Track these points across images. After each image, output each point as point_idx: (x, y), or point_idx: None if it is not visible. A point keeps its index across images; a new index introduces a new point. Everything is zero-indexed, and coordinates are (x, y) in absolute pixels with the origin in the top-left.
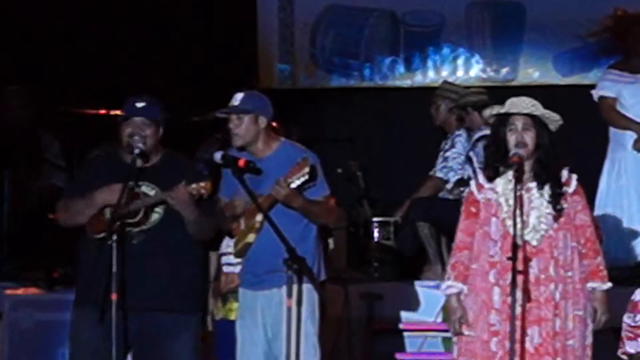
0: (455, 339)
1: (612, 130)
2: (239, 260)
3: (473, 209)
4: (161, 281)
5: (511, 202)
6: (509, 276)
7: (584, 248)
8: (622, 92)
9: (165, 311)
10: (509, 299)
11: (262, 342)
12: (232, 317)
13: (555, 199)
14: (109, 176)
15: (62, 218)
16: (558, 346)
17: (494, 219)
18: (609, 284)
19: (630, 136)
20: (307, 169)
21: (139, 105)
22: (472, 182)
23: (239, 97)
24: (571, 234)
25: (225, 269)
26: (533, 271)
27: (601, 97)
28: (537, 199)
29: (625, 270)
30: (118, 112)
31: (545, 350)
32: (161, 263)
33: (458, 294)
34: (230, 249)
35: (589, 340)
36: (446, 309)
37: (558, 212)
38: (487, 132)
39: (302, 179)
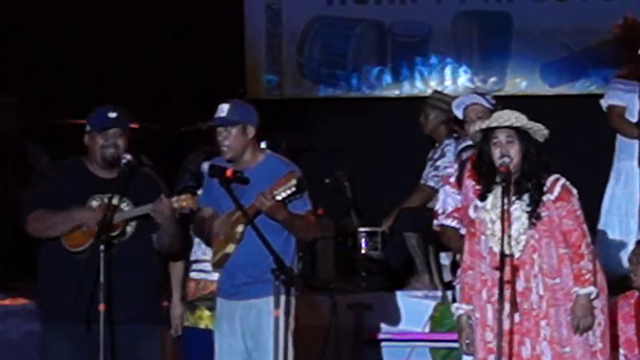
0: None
1: (619, 139)
2: (210, 267)
3: (472, 229)
4: (137, 292)
5: (494, 217)
6: (494, 291)
7: (569, 252)
8: (631, 101)
9: (139, 322)
10: (496, 315)
11: (242, 352)
12: (202, 325)
13: (533, 207)
14: (77, 187)
15: (33, 228)
16: (552, 354)
17: (482, 237)
18: (591, 288)
19: (635, 145)
20: (294, 182)
21: (112, 115)
22: (471, 206)
23: (225, 107)
24: (556, 241)
25: (195, 275)
26: (520, 282)
27: (610, 106)
28: (517, 211)
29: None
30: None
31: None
32: (135, 274)
33: (467, 315)
34: (203, 257)
35: (599, 345)
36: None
37: (536, 219)
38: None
39: (289, 192)
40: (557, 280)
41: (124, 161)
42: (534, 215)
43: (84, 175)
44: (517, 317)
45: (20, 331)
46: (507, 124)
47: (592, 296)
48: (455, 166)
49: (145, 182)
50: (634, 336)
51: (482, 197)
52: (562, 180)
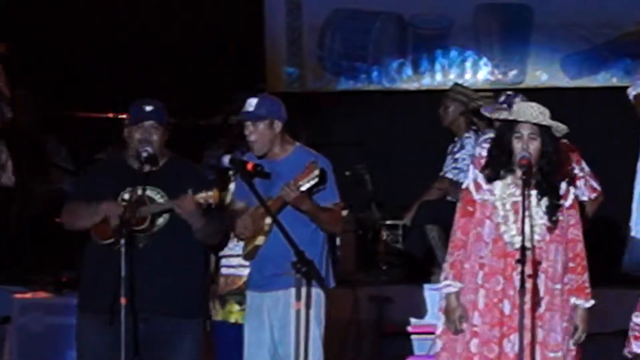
0: (438, 332)
1: None
2: (240, 262)
3: (470, 208)
4: (167, 285)
5: (508, 206)
6: (497, 280)
7: (573, 262)
8: None
9: (170, 315)
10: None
11: (269, 344)
12: (232, 319)
13: (552, 211)
14: (114, 180)
15: (66, 221)
16: (540, 357)
17: (487, 221)
18: (592, 302)
19: None
20: (316, 172)
21: (148, 109)
22: (470, 181)
23: (252, 102)
24: (563, 248)
25: (224, 270)
26: (519, 279)
27: (637, 95)
28: (534, 207)
29: None
30: (124, 115)
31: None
32: (166, 267)
33: (457, 293)
34: (230, 251)
35: (572, 353)
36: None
37: (553, 224)
38: (492, 135)
39: (312, 182)
40: (558, 286)
41: (144, 154)
42: (552, 219)
43: (122, 168)
44: (508, 309)
45: (41, 324)
46: (534, 121)
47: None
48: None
49: (183, 174)
50: None
51: (488, 180)
52: (573, 189)
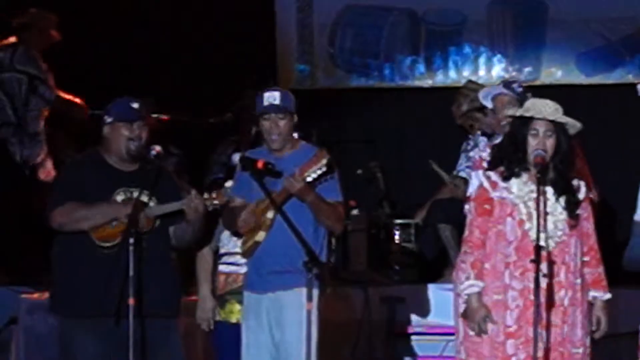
0: (460, 338)
1: None
2: (242, 260)
3: (487, 207)
4: (162, 286)
5: (529, 203)
6: (525, 278)
7: (587, 256)
8: None
9: (165, 316)
10: (524, 302)
11: (269, 345)
12: (234, 319)
13: (572, 207)
14: (101, 180)
15: (60, 222)
16: (565, 353)
17: (509, 219)
18: (610, 295)
19: None
20: (324, 161)
21: (136, 106)
22: (484, 179)
23: (277, 95)
24: (581, 242)
25: (224, 268)
26: (534, 277)
27: None
28: (552, 204)
29: None
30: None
31: (552, 356)
32: (160, 268)
33: (480, 293)
34: (234, 249)
35: (588, 349)
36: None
37: (575, 219)
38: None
39: (319, 172)
40: (579, 281)
41: (153, 153)
42: (573, 215)
43: (105, 168)
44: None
45: (47, 325)
46: (550, 118)
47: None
48: (488, 150)
49: (165, 176)
50: None
51: (504, 178)
52: (583, 182)
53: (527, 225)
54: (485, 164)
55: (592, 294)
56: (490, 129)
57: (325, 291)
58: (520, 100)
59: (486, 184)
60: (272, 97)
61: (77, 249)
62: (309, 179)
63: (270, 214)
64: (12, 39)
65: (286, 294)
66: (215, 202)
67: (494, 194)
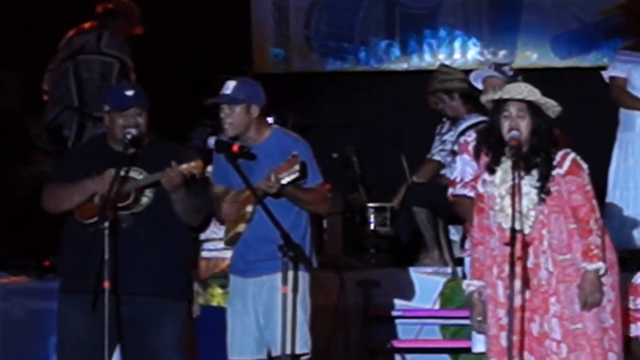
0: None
1: (621, 111)
2: (223, 245)
3: (481, 204)
4: (151, 265)
5: (503, 192)
6: (504, 268)
7: (579, 228)
8: (631, 72)
9: (155, 296)
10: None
11: (254, 329)
12: (214, 303)
13: (542, 182)
14: (96, 162)
15: (48, 204)
16: (561, 331)
17: (491, 212)
18: (600, 264)
19: (638, 117)
20: (297, 167)
21: (130, 93)
22: (480, 180)
23: (230, 85)
24: (566, 216)
25: (206, 254)
26: (529, 259)
27: (611, 78)
28: (526, 186)
29: (630, 253)
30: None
31: (546, 336)
32: (151, 247)
33: (478, 291)
34: (213, 235)
35: (610, 322)
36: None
37: (546, 195)
38: (472, 121)
39: (293, 176)
40: (568, 256)
41: (128, 136)
42: (543, 191)
43: (104, 150)
44: (527, 293)
45: (23, 309)
46: (519, 97)
47: (601, 272)
48: (474, 135)
49: (165, 152)
50: None
51: (491, 171)
52: (572, 155)
53: (499, 216)
54: (470, 148)
55: (581, 264)
56: (454, 112)
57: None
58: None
59: (480, 182)
60: (226, 87)
61: (70, 229)
62: (283, 182)
63: (249, 208)
64: (91, 23)
65: (272, 278)
66: (193, 170)
67: (482, 190)
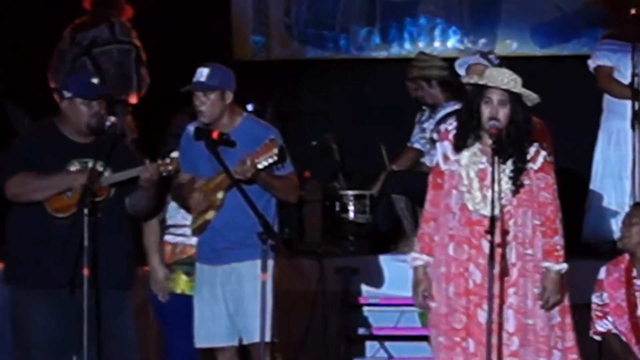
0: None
1: (606, 99)
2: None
3: (439, 180)
4: (116, 257)
5: (472, 174)
6: (464, 251)
7: (544, 226)
8: (618, 61)
9: (117, 288)
10: (463, 274)
11: (224, 316)
12: (178, 290)
13: (516, 175)
14: (55, 151)
15: (14, 192)
16: (515, 324)
17: (454, 191)
18: (564, 265)
19: (625, 105)
20: (275, 150)
21: (95, 82)
22: (439, 153)
23: (204, 72)
24: (533, 212)
25: (171, 239)
26: (489, 247)
27: (598, 67)
28: (501, 175)
29: (608, 243)
30: None
31: (499, 326)
32: (116, 239)
33: (424, 266)
34: (183, 221)
35: (556, 319)
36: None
37: (517, 188)
38: (451, 109)
39: (270, 160)
40: (530, 251)
41: (108, 124)
42: (517, 183)
43: (60, 139)
44: (479, 278)
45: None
46: (503, 87)
47: (563, 272)
48: (454, 123)
49: (121, 147)
50: (623, 302)
51: (457, 149)
52: (544, 152)
53: (466, 197)
54: (451, 137)
55: (544, 264)
56: (432, 100)
57: (279, 262)
58: None
59: (439, 158)
60: (199, 73)
61: (31, 220)
62: (259, 167)
63: (220, 194)
64: (87, 17)
65: (241, 266)
66: (169, 167)
67: (445, 167)
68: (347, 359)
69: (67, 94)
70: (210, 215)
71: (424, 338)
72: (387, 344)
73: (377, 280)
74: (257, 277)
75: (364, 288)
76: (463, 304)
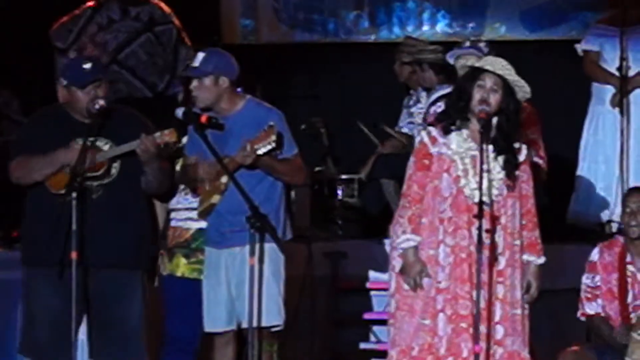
0: (391, 291)
1: (594, 85)
2: (188, 215)
3: (426, 162)
4: (120, 237)
5: (467, 160)
6: (457, 235)
7: (525, 219)
8: (604, 46)
9: (121, 268)
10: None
11: (226, 301)
12: (178, 273)
13: (511, 167)
14: (61, 132)
15: (17, 175)
16: (501, 313)
17: (445, 175)
18: (544, 259)
19: (609, 91)
20: (273, 137)
21: (87, 67)
22: (424, 134)
23: (199, 57)
24: (519, 204)
25: (173, 223)
26: (477, 234)
27: (584, 51)
28: (491, 163)
29: (596, 226)
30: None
31: (487, 314)
32: (120, 218)
33: (416, 247)
34: (179, 205)
35: (527, 310)
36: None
37: (512, 181)
38: (443, 92)
39: (269, 147)
40: (517, 242)
41: (96, 107)
42: (510, 176)
43: (66, 120)
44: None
45: None
46: (499, 72)
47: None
48: (443, 107)
49: (130, 122)
50: (615, 287)
51: (445, 131)
52: (525, 146)
53: (462, 182)
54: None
55: (526, 257)
56: (427, 83)
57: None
58: None
59: (426, 139)
60: (195, 59)
61: (38, 200)
62: (259, 152)
63: (224, 179)
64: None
65: (244, 250)
66: (167, 139)
67: (433, 149)
68: (336, 343)
69: (63, 82)
70: (215, 199)
71: None
72: (376, 328)
73: (365, 264)
74: (262, 261)
75: (353, 272)
76: (468, 290)
